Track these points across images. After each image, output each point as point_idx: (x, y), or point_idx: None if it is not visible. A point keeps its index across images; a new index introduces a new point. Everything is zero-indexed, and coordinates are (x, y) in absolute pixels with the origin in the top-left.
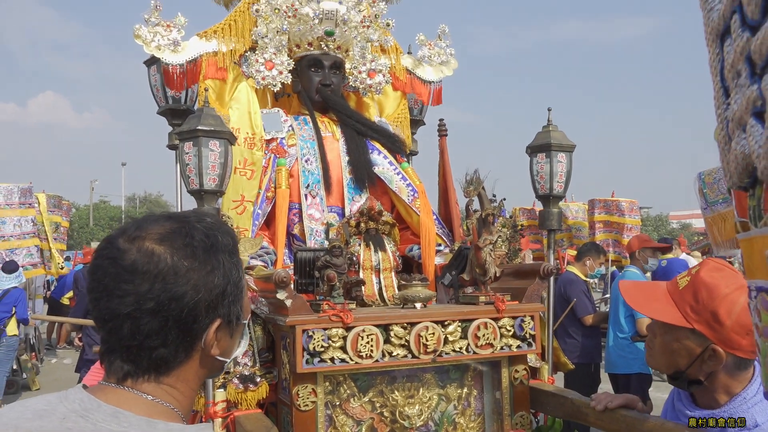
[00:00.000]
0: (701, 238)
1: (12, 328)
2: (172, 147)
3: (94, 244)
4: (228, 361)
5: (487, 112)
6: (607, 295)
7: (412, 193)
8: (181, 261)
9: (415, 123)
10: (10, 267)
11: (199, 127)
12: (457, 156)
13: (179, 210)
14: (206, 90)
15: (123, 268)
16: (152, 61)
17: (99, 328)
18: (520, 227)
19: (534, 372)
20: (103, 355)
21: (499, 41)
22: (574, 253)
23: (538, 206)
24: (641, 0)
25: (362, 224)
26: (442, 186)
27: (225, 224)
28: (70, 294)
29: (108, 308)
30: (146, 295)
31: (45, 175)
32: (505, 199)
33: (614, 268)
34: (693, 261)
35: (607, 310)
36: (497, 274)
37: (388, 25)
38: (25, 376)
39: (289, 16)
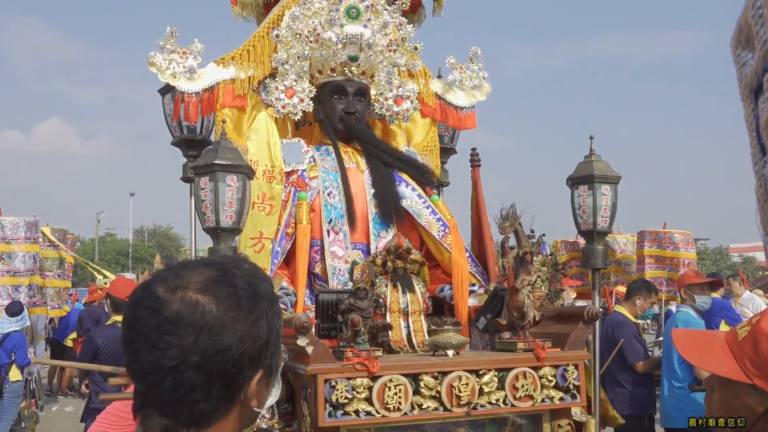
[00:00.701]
0: (766, 273)
1: (15, 373)
2: (186, 180)
3: (100, 281)
4: (262, 411)
5: (523, 136)
6: (661, 338)
7: (442, 228)
8: (227, 312)
9: (446, 151)
10: (14, 309)
11: (216, 161)
12: (492, 186)
13: (193, 245)
14: (223, 122)
15: (166, 319)
16: (167, 90)
17: (136, 382)
18: (561, 265)
19: (579, 427)
20: (139, 409)
21: (535, 59)
22: (624, 289)
23: (582, 239)
24: (693, 12)
25: (389, 263)
26: (476, 221)
27: (262, 270)
28: (74, 335)
29: (149, 361)
30: (191, 348)
31: (48, 206)
32: (544, 235)
33: (669, 307)
34: (757, 300)
35: (660, 354)
36: (537, 318)
37: (416, 49)
38: (23, 425)
39: (310, 41)
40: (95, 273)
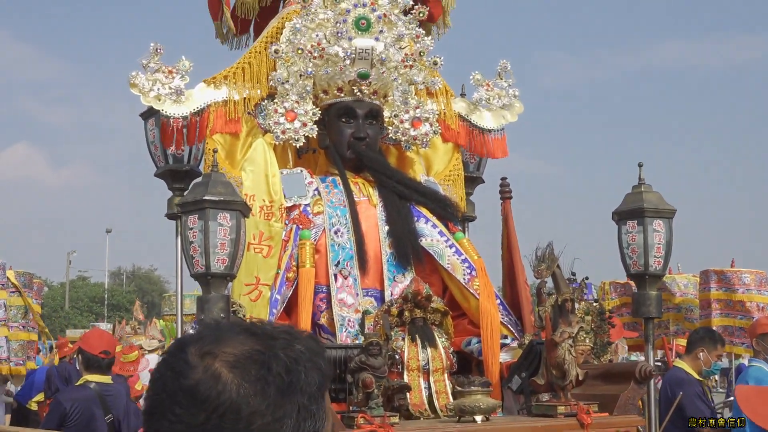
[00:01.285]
0: None
1: None
2: (172, 216)
3: (71, 333)
4: None
5: (563, 161)
6: (731, 398)
7: (468, 271)
8: (247, 398)
9: (472, 181)
10: None
11: (206, 197)
12: (526, 220)
13: (179, 291)
14: (215, 151)
15: (181, 388)
16: (150, 114)
17: None
18: (609, 313)
19: None
20: None
21: (577, 70)
22: (685, 341)
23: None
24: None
25: (406, 312)
26: (508, 262)
27: (319, 354)
28: (40, 397)
29: (156, 429)
30: (198, 428)
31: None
32: (587, 278)
33: (740, 360)
34: None
35: (731, 417)
36: (580, 377)
37: (436, 64)
38: None
39: (314, 57)
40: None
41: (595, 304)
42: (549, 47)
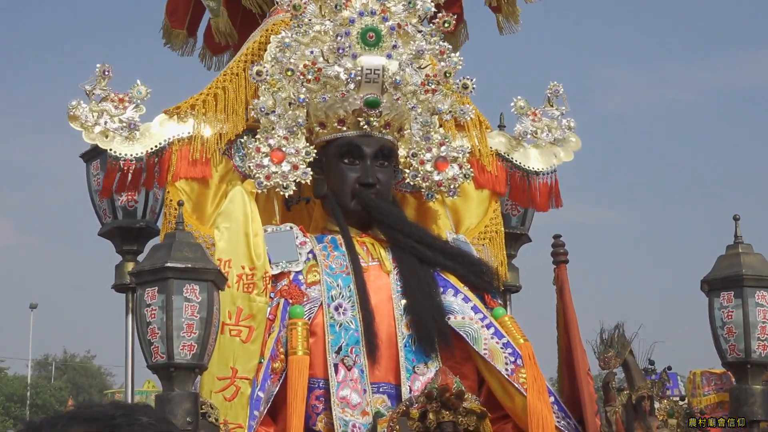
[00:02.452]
0: None
1: None
2: (121, 288)
3: None
4: None
5: (632, 208)
6: None
7: (512, 359)
8: None
9: (515, 239)
10: None
11: (169, 264)
12: (586, 289)
13: (128, 387)
14: (180, 204)
15: None
16: (95, 154)
17: None
18: (701, 415)
19: None
20: None
21: (649, 90)
22: None
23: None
24: None
25: (431, 415)
26: (564, 347)
27: (167, 421)
28: None
29: None
30: None
31: None
32: (670, 368)
33: None
34: None
35: None
36: None
37: (466, 87)
38: None
39: (308, 80)
40: None
41: (681, 402)
42: (610, 63)
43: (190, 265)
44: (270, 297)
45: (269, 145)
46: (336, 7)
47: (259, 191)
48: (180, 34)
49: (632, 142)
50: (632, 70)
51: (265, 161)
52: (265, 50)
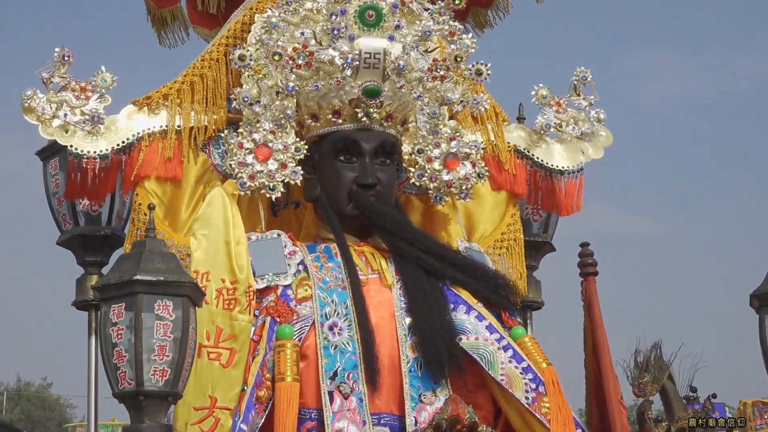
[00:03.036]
0: None
1: None
2: (83, 305)
3: None
4: None
5: (671, 214)
6: None
7: (533, 385)
8: None
9: (536, 248)
10: None
11: (138, 277)
12: (618, 305)
13: (91, 419)
14: (151, 208)
15: None
16: (53, 151)
17: None
18: None
19: None
20: None
21: (695, 77)
22: None
23: None
24: None
25: None
26: (593, 372)
27: None
28: None
29: None
30: None
31: None
32: (715, 396)
33: None
34: None
35: None
36: None
37: (480, 74)
38: None
39: (298, 66)
40: None
41: None
42: (649, 45)
43: (162, 278)
44: (254, 315)
45: (253, 141)
46: None
47: (242, 193)
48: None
49: (673, 138)
50: (674, 53)
51: (249, 159)
52: (249, 31)
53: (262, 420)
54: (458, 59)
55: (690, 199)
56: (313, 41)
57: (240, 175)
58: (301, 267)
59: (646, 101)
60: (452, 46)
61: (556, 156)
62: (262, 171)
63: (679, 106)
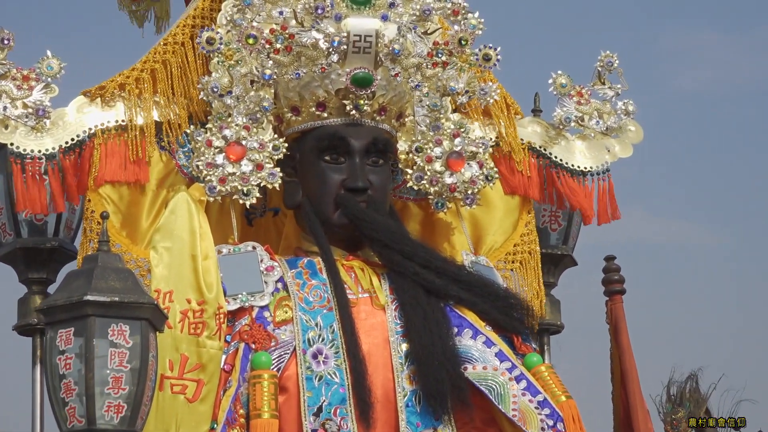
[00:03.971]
0: None
1: None
2: (25, 330)
3: None
4: None
5: (719, 220)
6: None
7: (551, 422)
8: None
9: (554, 262)
10: None
11: (89, 297)
12: (649, 326)
13: None
14: (104, 216)
15: None
16: None
17: None
18: None
19: None
20: None
21: (746, 60)
22: None
23: None
24: None
25: None
26: (621, 404)
27: None
28: None
29: None
30: None
31: None
32: None
33: None
34: None
35: None
36: None
37: (488, 59)
38: None
39: (276, 51)
40: None
41: None
42: (688, 22)
43: (117, 299)
44: (225, 341)
45: (224, 138)
46: None
47: (211, 199)
48: None
49: (718, 132)
50: (719, 33)
51: (219, 159)
52: (219, 10)
53: None
54: (463, 42)
55: (740, 203)
56: (293, 22)
57: (209, 177)
58: (280, 285)
59: (684, 89)
60: (456, 27)
61: (578, 154)
62: (234, 173)
63: (724, 95)
